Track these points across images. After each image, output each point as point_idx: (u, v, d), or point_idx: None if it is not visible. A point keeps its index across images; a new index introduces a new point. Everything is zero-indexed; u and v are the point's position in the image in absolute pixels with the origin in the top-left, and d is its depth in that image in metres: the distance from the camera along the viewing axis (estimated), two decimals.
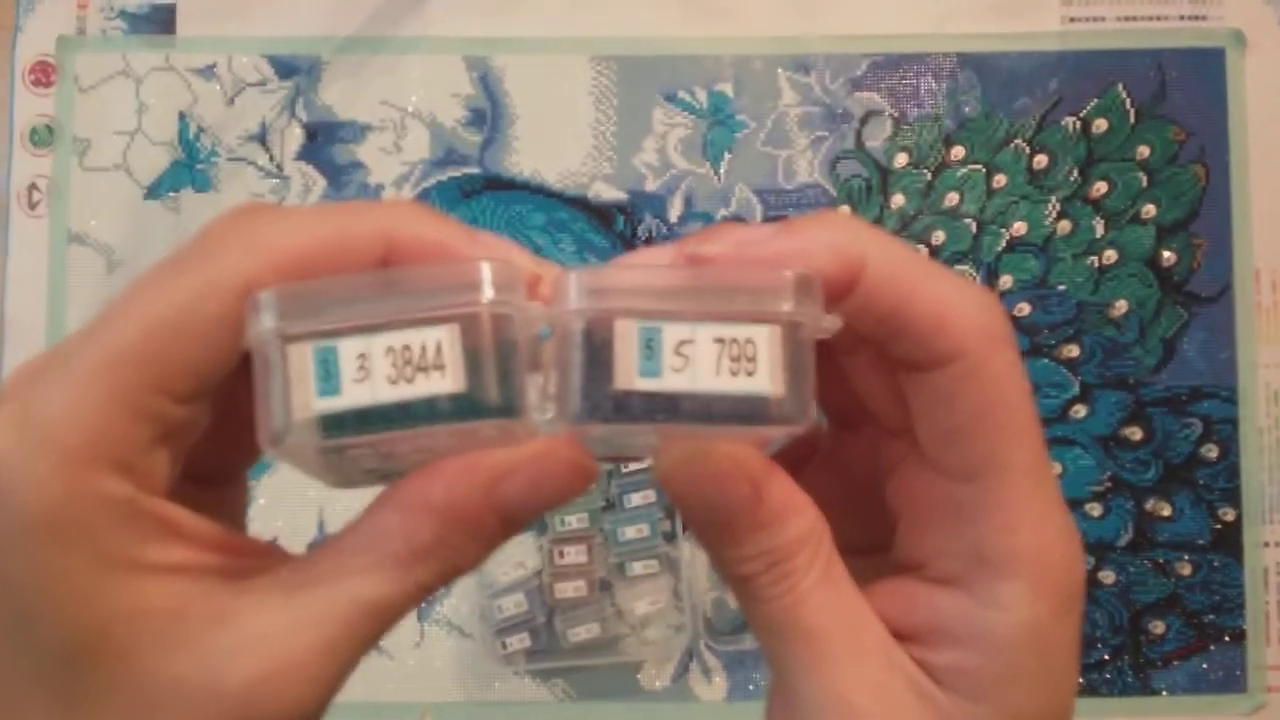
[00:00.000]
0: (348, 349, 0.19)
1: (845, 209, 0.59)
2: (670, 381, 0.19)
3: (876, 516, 0.24)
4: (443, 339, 0.19)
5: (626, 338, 0.19)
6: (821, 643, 0.21)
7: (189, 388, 0.20)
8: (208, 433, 0.22)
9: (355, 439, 0.20)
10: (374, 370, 0.19)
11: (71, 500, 0.19)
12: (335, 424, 0.19)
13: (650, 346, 0.19)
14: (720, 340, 0.20)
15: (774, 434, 0.21)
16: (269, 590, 0.21)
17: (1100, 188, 0.58)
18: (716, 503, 0.21)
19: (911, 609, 0.22)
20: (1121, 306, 0.58)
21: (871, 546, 0.24)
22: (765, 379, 0.20)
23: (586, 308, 0.20)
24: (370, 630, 0.21)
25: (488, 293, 0.19)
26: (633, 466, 0.55)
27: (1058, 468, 0.57)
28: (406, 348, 0.19)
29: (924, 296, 0.21)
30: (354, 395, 0.19)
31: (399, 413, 0.19)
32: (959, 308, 0.21)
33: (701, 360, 0.20)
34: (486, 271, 0.20)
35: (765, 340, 0.20)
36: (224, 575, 0.21)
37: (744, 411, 0.20)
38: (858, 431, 0.25)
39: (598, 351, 0.19)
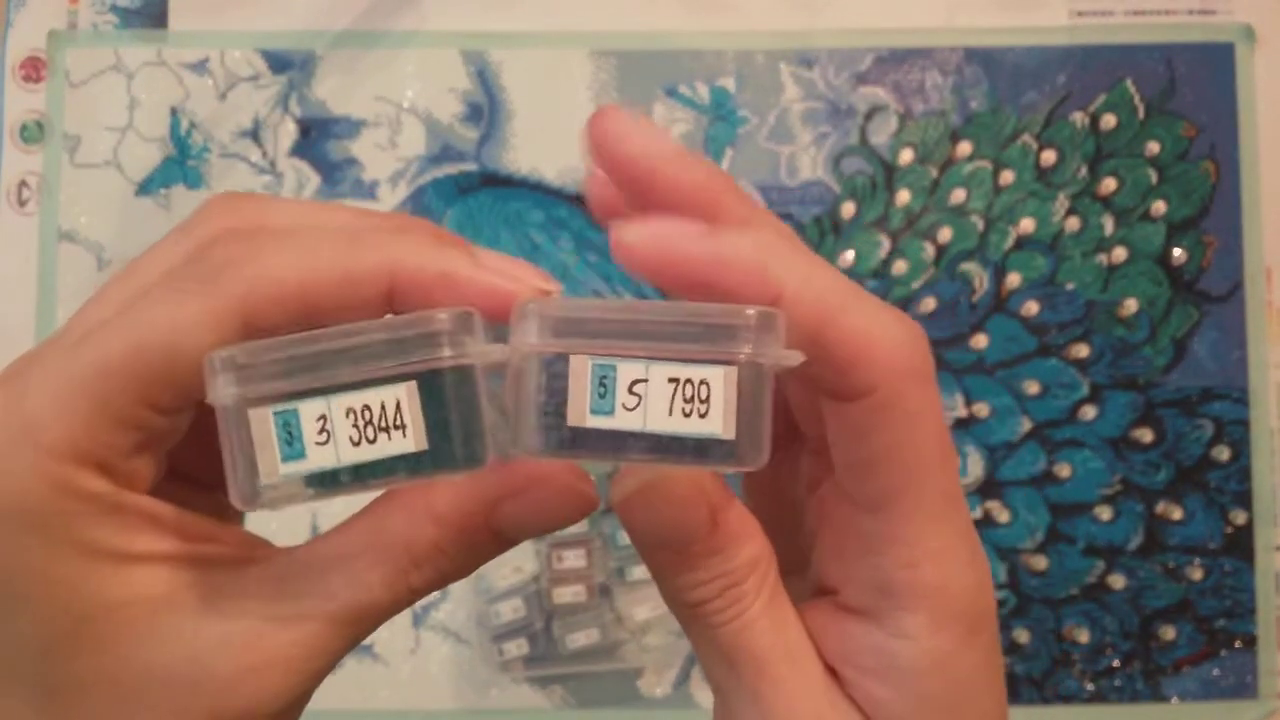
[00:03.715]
0: (308, 411, 0.19)
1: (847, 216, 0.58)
2: (622, 420, 0.20)
3: (799, 535, 0.24)
4: (401, 398, 0.19)
5: (580, 375, 0.20)
6: (767, 668, 0.22)
7: (175, 403, 0.20)
8: (199, 437, 0.22)
9: (323, 496, 0.20)
10: (336, 432, 0.19)
11: (53, 492, 0.19)
12: (309, 483, 0.20)
13: (604, 384, 0.19)
14: (674, 380, 0.20)
15: (725, 471, 0.21)
16: (260, 582, 0.21)
17: (1109, 184, 0.57)
18: (675, 529, 0.21)
19: (829, 636, 0.23)
20: (1131, 305, 0.57)
21: (795, 566, 0.24)
22: (718, 421, 0.20)
23: (542, 344, 0.20)
24: (357, 631, 0.21)
25: (445, 348, 0.19)
26: None
27: (1066, 470, 0.56)
28: (366, 408, 0.19)
29: (843, 327, 0.21)
30: (319, 458, 0.19)
31: (365, 472, 0.19)
32: (877, 342, 0.21)
33: (655, 400, 0.20)
34: (444, 323, 0.20)
35: (720, 382, 0.20)
36: (212, 565, 0.21)
37: (695, 451, 0.20)
38: (789, 449, 0.25)
39: (554, 385, 0.20)
